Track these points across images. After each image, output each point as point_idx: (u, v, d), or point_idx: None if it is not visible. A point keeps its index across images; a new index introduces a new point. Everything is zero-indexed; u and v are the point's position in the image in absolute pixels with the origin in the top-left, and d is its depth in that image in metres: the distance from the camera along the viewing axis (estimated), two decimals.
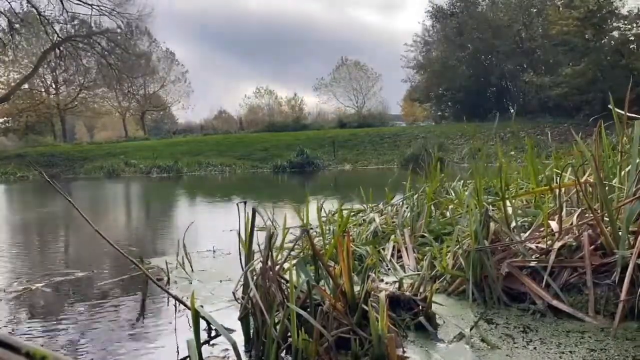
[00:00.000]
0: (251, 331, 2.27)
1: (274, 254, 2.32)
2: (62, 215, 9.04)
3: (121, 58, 36.80)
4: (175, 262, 4.00)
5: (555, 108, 30.55)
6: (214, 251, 4.64)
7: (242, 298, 2.42)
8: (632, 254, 2.43)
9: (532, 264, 2.72)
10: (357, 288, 2.26)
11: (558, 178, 3.42)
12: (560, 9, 29.23)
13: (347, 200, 5.33)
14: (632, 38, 27.64)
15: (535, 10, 34.66)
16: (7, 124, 42.17)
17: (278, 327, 2.10)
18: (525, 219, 3.39)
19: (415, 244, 3.77)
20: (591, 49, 27.74)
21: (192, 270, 3.91)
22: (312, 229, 4.56)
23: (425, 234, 3.84)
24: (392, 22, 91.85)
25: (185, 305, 2.76)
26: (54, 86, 43.30)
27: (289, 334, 2.08)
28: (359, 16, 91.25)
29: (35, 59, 37.42)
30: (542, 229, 2.98)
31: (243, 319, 2.36)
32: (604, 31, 28.01)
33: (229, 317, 2.63)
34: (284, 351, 2.11)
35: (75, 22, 36.90)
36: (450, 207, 4.25)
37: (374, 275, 3.22)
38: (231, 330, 2.34)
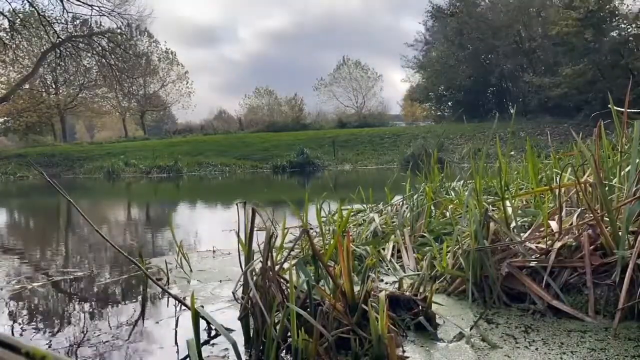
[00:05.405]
0: (251, 331, 2.27)
1: (274, 254, 2.32)
2: (61, 215, 9.04)
3: (121, 58, 36.82)
4: (174, 262, 4.00)
5: (555, 108, 30.56)
6: (213, 251, 4.64)
7: (242, 298, 2.42)
8: (632, 254, 2.43)
9: (532, 264, 2.72)
10: (357, 288, 2.26)
11: (558, 178, 3.42)
12: (560, 9, 29.23)
13: (347, 202, 5.32)
14: (632, 38, 27.65)
15: (534, 10, 34.68)
16: (7, 124, 42.19)
17: (278, 327, 2.10)
18: (525, 219, 3.38)
19: (415, 244, 3.77)
20: (591, 49, 27.76)
21: (192, 270, 3.91)
22: (311, 229, 4.56)
23: (425, 234, 3.83)
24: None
25: (185, 305, 2.76)
26: (54, 86, 43.32)
27: (289, 333, 2.08)
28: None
29: (36, 59, 37.42)
30: (542, 229, 2.98)
31: (243, 319, 2.36)
32: (604, 31, 28.02)
33: (229, 317, 2.63)
34: (284, 351, 2.11)
35: (76, 22, 36.95)
36: (450, 207, 4.25)
37: (374, 275, 3.22)
38: (231, 330, 2.34)
